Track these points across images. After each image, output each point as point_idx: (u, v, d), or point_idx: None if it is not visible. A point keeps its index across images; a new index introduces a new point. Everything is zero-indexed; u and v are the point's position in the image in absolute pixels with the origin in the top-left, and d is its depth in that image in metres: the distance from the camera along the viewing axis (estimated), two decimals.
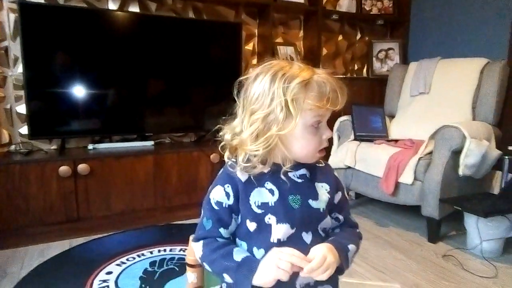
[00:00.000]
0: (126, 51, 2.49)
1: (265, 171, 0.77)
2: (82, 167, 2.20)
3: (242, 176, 0.77)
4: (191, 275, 0.86)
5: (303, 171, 0.80)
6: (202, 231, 0.80)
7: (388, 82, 3.13)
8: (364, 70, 3.61)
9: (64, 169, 2.16)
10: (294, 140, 0.75)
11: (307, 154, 0.78)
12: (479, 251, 2.01)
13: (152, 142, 2.58)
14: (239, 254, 0.75)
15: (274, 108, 0.72)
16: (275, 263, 0.69)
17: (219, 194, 0.78)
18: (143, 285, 1.74)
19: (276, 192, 0.77)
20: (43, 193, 2.14)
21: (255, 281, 0.71)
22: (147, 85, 2.61)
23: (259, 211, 0.76)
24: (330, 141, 2.83)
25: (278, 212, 0.76)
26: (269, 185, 0.77)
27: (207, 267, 0.79)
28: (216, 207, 0.78)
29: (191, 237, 0.85)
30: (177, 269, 1.88)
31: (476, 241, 2.04)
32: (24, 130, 2.39)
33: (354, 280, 0.66)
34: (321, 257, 0.71)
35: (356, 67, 3.58)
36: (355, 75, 3.55)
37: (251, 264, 0.72)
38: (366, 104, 3.07)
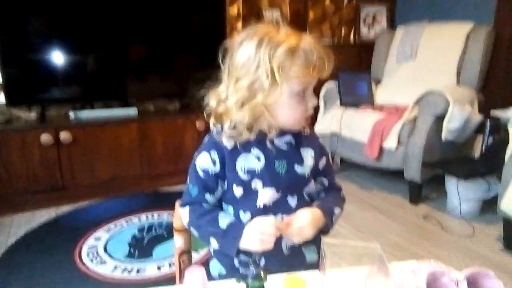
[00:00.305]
0: (107, 15, 2.37)
1: (251, 138, 0.77)
2: (64, 135, 2.16)
3: (228, 143, 0.77)
4: (178, 240, 0.87)
5: (288, 137, 0.80)
6: (188, 197, 0.80)
7: (375, 48, 3.10)
8: (351, 35, 3.55)
9: (45, 137, 2.11)
10: (279, 108, 0.74)
11: (294, 122, 0.77)
12: (458, 211, 2.09)
13: (135, 110, 2.53)
14: (224, 219, 0.76)
15: (260, 76, 0.71)
16: (258, 237, 0.71)
17: (205, 161, 0.78)
18: (132, 250, 1.77)
19: (262, 158, 0.77)
20: (25, 162, 2.10)
21: (241, 246, 0.73)
22: (129, 50, 2.52)
23: (245, 177, 0.76)
24: (316, 108, 2.84)
25: (265, 177, 0.77)
26: (255, 151, 0.77)
27: (194, 232, 0.80)
28: (202, 175, 0.78)
29: (177, 203, 0.85)
30: (166, 234, 1.90)
31: (456, 202, 2.11)
32: (1, 98, 2.30)
33: (337, 240, 0.68)
34: (297, 228, 0.73)
35: (343, 32, 3.52)
36: (342, 41, 3.50)
37: (236, 230, 0.74)
38: (352, 70, 3.05)
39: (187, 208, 0.80)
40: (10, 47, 2.15)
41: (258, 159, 0.77)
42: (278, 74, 0.70)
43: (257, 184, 0.77)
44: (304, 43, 0.72)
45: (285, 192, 0.79)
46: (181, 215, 0.82)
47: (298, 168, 0.79)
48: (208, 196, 0.79)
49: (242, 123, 0.74)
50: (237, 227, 0.74)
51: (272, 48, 0.70)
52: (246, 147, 0.77)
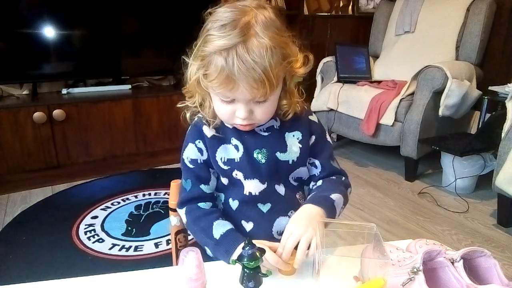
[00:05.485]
0: None
1: (229, 126, 0.75)
2: (57, 113, 2.12)
3: (209, 132, 0.75)
4: (173, 219, 0.86)
5: (271, 122, 0.76)
6: (184, 193, 0.78)
7: (374, 20, 3.03)
8: (350, 7, 3.47)
9: (38, 115, 2.07)
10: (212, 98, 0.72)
11: (222, 119, 0.73)
12: (453, 188, 2.11)
13: (129, 86, 2.48)
14: (218, 228, 0.72)
15: (193, 59, 0.69)
16: None
17: (191, 152, 0.76)
18: (129, 228, 1.78)
19: (241, 147, 0.75)
20: (18, 140, 2.08)
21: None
22: (122, 24, 2.44)
23: (225, 167, 0.75)
24: (313, 84, 2.79)
25: (244, 167, 0.74)
26: (234, 141, 0.75)
27: (192, 235, 0.79)
28: (191, 166, 0.76)
29: (172, 182, 0.84)
30: (163, 212, 1.91)
31: (451, 178, 2.12)
32: None
33: (332, 220, 0.68)
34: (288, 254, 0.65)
35: (341, 4, 3.43)
36: (340, 13, 3.41)
37: (229, 243, 0.69)
38: (350, 43, 2.99)
39: (183, 210, 0.77)
40: None
41: (237, 148, 0.75)
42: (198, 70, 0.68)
43: (237, 174, 0.75)
44: (238, 51, 0.60)
45: (271, 182, 0.76)
46: (180, 215, 0.80)
47: (280, 156, 0.75)
48: (203, 187, 0.77)
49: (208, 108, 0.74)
50: (231, 239, 0.69)
51: (207, 36, 0.65)
52: (225, 136, 0.75)
